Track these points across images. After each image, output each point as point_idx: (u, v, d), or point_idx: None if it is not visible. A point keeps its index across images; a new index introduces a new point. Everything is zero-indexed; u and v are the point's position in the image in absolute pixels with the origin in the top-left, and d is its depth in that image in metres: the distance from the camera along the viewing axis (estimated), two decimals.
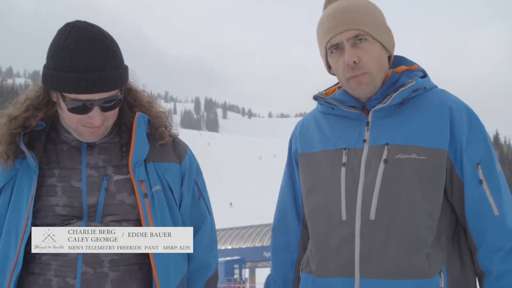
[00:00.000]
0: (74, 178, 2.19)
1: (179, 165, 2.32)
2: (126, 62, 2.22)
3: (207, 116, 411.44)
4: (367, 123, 2.17)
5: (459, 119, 2.10)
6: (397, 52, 2.31)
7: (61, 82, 2.07)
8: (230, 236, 48.50)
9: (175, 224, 2.25)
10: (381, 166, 2.08)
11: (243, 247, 45.48)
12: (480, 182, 2.06)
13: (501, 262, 2.02)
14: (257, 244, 43.83)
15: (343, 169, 2.14)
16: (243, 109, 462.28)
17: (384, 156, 2.08)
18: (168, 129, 2.34)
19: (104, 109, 2.14)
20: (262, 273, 36.51)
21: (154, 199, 2.19)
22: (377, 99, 2.17)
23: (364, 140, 2.15)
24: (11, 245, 2.13)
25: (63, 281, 2.10)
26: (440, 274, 2.04)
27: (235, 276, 40.50)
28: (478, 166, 2.07)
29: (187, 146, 2.42)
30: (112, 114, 2.19)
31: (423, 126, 2.10)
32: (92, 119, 2.13)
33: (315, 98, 2.32)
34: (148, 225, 2.15)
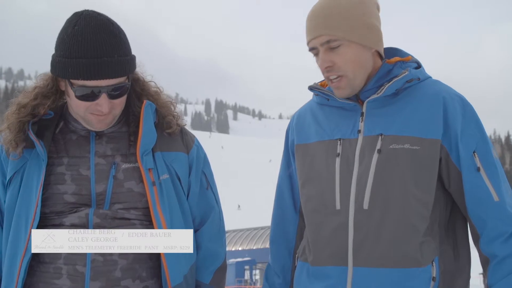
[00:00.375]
0: (82, 167, 2.21)
1: (186, 155, 2.34)
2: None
3: (217, 118, 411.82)
4: (362, 114, 2.19)
5: (452, 109, 2.11)
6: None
7: (69, 69, 2.10)
8: (241, 238, 48.52)
9: (183, 213, 2.27)
10: (375, 156, 2.10)
11: (254, 248, 45.48)
12: (478, 169, 2.07)
13: (503, 246, 2.04)
14: (268, 246, 43.71)
15: (337, 160, 2.17)
16: (254, 111, 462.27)
17: (378, 147, 2.10)
18: (175, 118, 2.37)
19: (112, 96, 2.15)
20: None
21: (162, 187, 2.22)
22: (371, 90, 2.19)
23: (359, 131, 2.17)
24: (21, 234, 2.15)
25: (73, 269, 2.12)
26: (432, 263, 2.06)
27: (246, 277, 40.50)
28: (475, 153, 2.08)
29: (194, 136, 2.45)
30: (120, 102, 2.21)
31: (417, 117, 2.11)
32: (100, 106, 2.15)
33: (311, 88, 2.34)
34: (156, 213, 2.17)
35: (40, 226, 2.14)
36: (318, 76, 2.38)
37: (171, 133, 2.33)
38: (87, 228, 2.14)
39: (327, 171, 2.18)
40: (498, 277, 2.04)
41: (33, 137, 2.18)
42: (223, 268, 2.40)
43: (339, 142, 2.19)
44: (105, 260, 2.14)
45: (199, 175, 2.38)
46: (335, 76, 2.16)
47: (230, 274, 36.52)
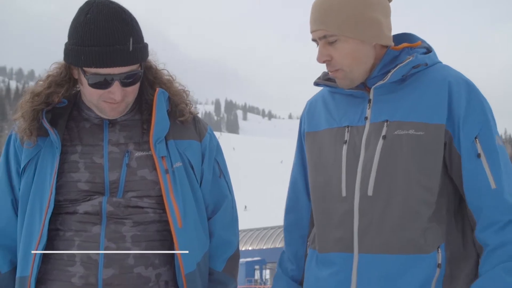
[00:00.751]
0: (96, 155, 2.22)
1: (199, 143, 2.34)
2: None
3: (227, 118, 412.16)
4: (369, 101, 2.18)
5: (457, 93, 2.08)
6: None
7: (81, 57, 2.10)
8: (251, 238, 48.54)
9: (196, 201, 2.28)
10: (380, 142, 2.09)
11: (264, 248, 45.52)
12: (478, 156, 2.05)
13: (496, 235, 2.01)
14: (278, 245, 43.83)
15: (344, 147, 2.17)
16: (263, 111, 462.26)
17: (383, 133, 2.10)
18: (188, 106, 2.37)
19: (125, 84, 2.16)
20: None
21: (175, 175, 2.22)
22: (377, 77, 2.19)
23: (366, 118, 2.17)
24: (35, 221, 2.16)
25: (86, 256, 2.14)
26: (438, 249, 2.04)
27: (256, 277, 40.53)
28: (476, 139, 2.05)
29: (207, 124, 2.45)
30: (133, 90, 2.22)
31: (422, 102, 2.10)
32: (113, 94, 2.15)
33: (316, 84, 2.35)
34: (169, 201, 2.18)
35: (54, 214, 2.16)
36: None
37: (184, 121, 2.33)
38: (101, 215, 2.16)
39: (334, 158, 2.19)
40: (486, 267, 2.01)
41: (47, 125, 2.19)
42: (236, 256, 2.40)
43: (347, 129, 2.19)
44: (118, 248, 2.15)
45: (212, 163, 2.38)
46: (333, 69, 2.18)
47: (240, 274, 36.43)
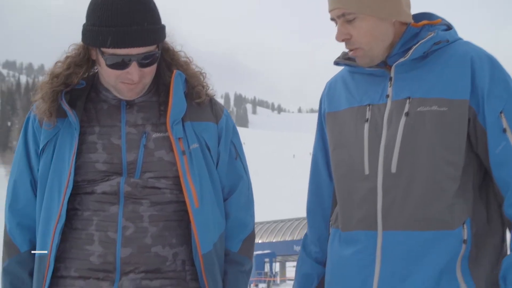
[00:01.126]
0: (113, 136, 2.24)
1: (216, 124, 2.36)
2: None
3: (236, 112, 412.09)
4: (390, 79, 2.18)
5: (480, 69, 2.07)
6: None
7: (99, 37, 2.12)
8: (261, 230, 48.57)
9: (212, 182, 2.30)
10: (403, 119, 2.09)
11: (274, 241, 45.55)
12: (504, 130, 2.03)
13: None
14: (288, 238, 43.87)
15: (366, 125, 2.17)
16: (273, 104, 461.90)
17: (406, 110, 2.09)
18: (205, 88, 2.38)
19: (142, 65, 2.18)
20: (293, 267, 36.55)
21: (192, 156, 2.24)
22: (398, 54, 2.18)
23: (387, 96, 2.16)
24: (54, 201, 2.19)
25: (104, 235, 2.16)
26: (463, 225, 2.03)
27: (266, 270, 40.61)
28: (502, 114, 2.04)
29: (224, 106, 2.47)
30: (150, 71, 2.24)
31: (444, 78, 2.09)
32: (130, 74, 2.17)
33: (336, 63, 2.36)
34: (186, 182, 2.20)
35: (72, 194, 2.19)
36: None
37: (201, 103, 2.35)
38: (118, 196, 2.18)
39: (356, 137, 2.19)
40: None
41: (66, 106, 2.22)
42: (251, 238, 2.42)
43: (368, 108, 2.19)
44: (136, 227, 2.17)
45: (228, 145, 2.39)
46: (352, 47, 2.18)
47: None
